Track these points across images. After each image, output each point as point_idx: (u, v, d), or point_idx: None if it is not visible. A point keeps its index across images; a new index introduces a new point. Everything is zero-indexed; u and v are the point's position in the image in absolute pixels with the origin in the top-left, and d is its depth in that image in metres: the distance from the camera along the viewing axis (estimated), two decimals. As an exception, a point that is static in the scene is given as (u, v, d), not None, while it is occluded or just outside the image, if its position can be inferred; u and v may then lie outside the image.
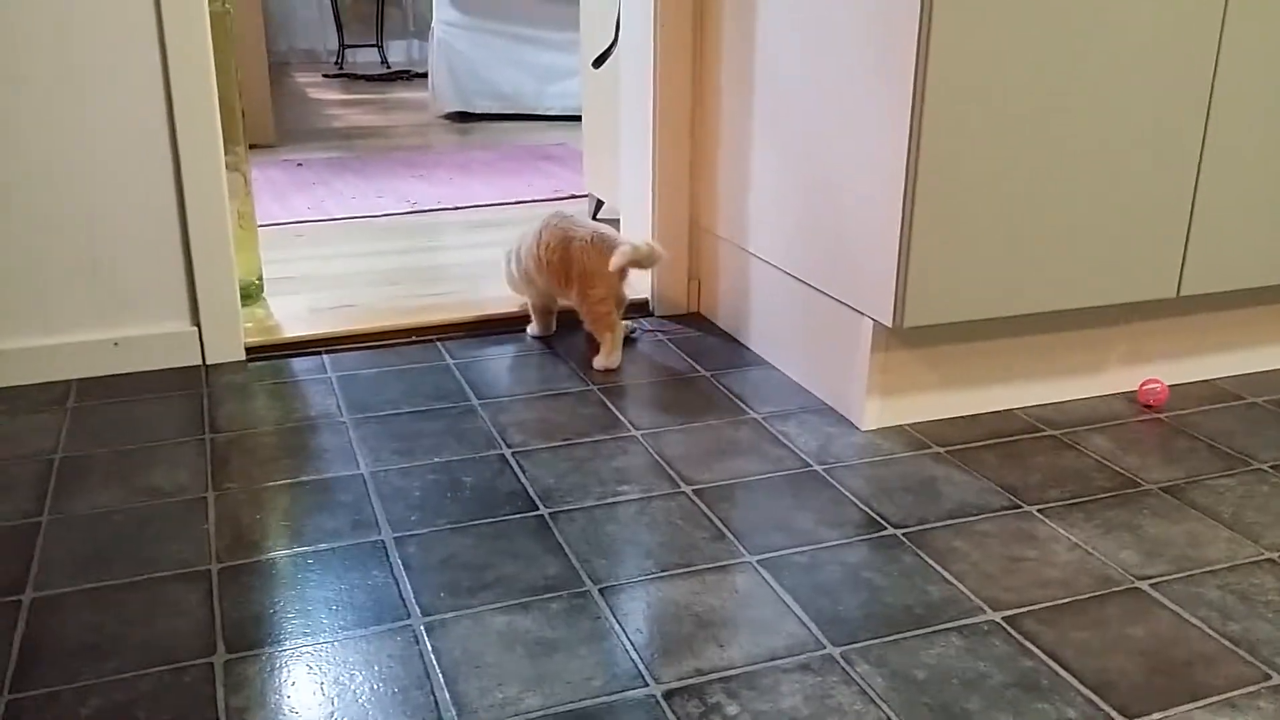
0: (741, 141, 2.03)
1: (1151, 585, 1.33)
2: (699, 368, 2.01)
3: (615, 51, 2.55)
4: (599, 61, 2.68)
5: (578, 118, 3.28)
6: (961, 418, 1.79)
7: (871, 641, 1.22)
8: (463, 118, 5.08)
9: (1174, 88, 1.67)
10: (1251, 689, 1.14)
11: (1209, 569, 1.37)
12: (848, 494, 1.54)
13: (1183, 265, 1.78)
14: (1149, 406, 1.84)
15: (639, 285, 2.28)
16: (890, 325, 1.64)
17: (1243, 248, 1.82)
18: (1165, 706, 1.12)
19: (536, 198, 3.38)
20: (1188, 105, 1.69)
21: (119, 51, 1.82)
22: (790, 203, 1.88)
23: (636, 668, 1.17)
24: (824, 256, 1.80)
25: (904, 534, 1.44)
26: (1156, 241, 1.75)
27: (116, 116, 1.85)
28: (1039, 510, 1.50)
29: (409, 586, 1.31)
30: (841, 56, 1.68)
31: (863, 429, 1.75)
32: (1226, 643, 1.22)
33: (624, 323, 2.06)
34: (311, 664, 1.17)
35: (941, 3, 1.49)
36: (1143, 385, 1.85)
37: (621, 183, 2.41)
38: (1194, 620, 1.26)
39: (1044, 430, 1.75)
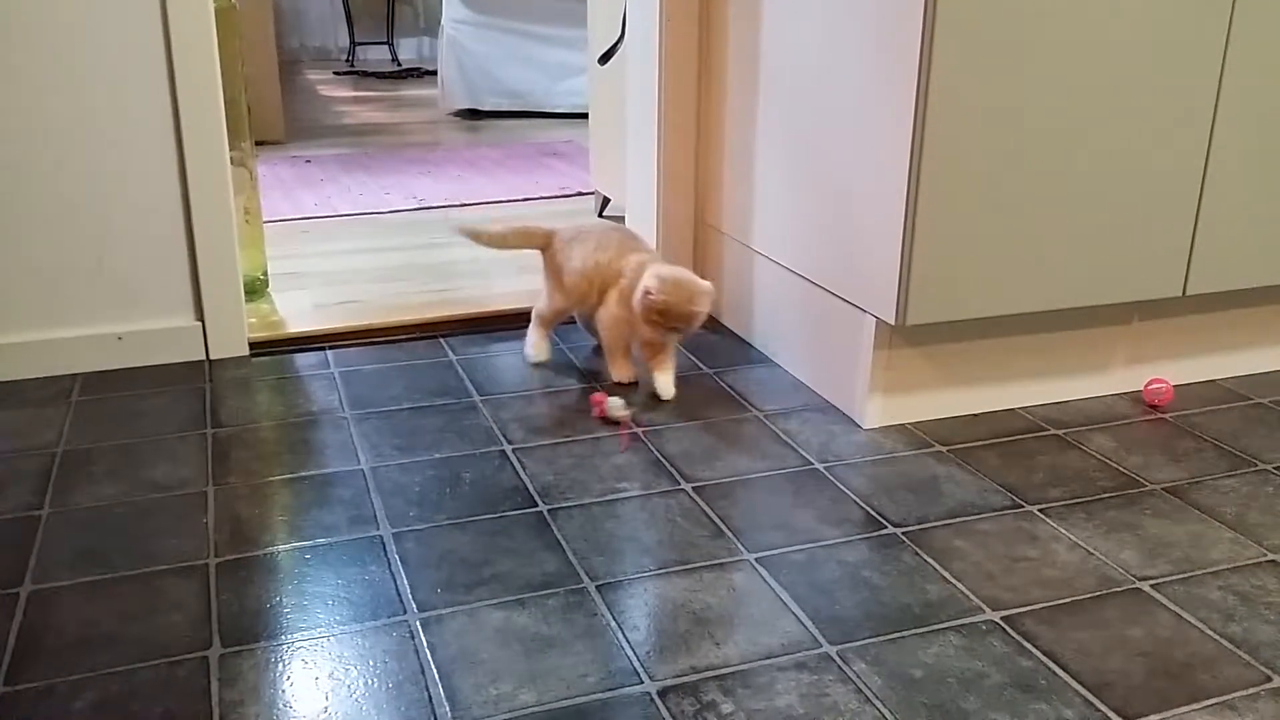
0: (746, 138, 2.02)
1: (1152, 586, 1.32)
2: (701, 365, 2.00)
3: (621, 48, 2.54)
4: (605, 58, 2.67)
5: (586, 115, 3.28)
6: (964, 416, 1.78)
7: (869, 640, 1.21)
8: (472, 115, 5.08)
9: (1181, 84, 1.66)
10: (1251, 691, 1.13)
11: (1211, 570, 1.36)
12: (848, 492, 1.54)
13: (1189, 264, 1.77)
14: (1154, 406, 1.83)
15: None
16: (893, 323, 1.63)
17: (1249, 246, 1.81)
18: (1164, 708, 1.11)
19: (543, 195, 3.38)
20: (1194, 102, 1.68)
21: (124, 47, 1.82)
22: (794, 200, 1.88)
23: (632, 665, 1.16)
24: (828, 254, 1.79)
25: (904, 533, 1.43)
26: (1162, 240, 1.74)
27: (121, 111, 1.85)
28: (1040, 510, 1.50)
29: (406, 582, 1.31)
30: (846, 54, 1.68)
31: (865, 427, 1.74)
32: (1227, 644, 1.21)
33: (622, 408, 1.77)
34: (307, 659, 1.17)
35: (946, 1, 1.49)
36: (1147, 385, 1.84)
37: (627, 179, 2.40)
38: (1194, 621, 1.25)
39: (1047, 430, 1.75)
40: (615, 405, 1.74)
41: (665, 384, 1.83)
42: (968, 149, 1.57)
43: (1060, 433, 1.73)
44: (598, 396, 1.76)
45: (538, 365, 1.97)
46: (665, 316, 1.72)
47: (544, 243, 1.96)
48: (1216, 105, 1.70)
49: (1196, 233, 1.76)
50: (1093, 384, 1.87)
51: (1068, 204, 1.66)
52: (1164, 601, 1.29)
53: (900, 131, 1.56)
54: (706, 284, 1.75)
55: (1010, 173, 1.60)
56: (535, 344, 1.99)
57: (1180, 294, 1.78)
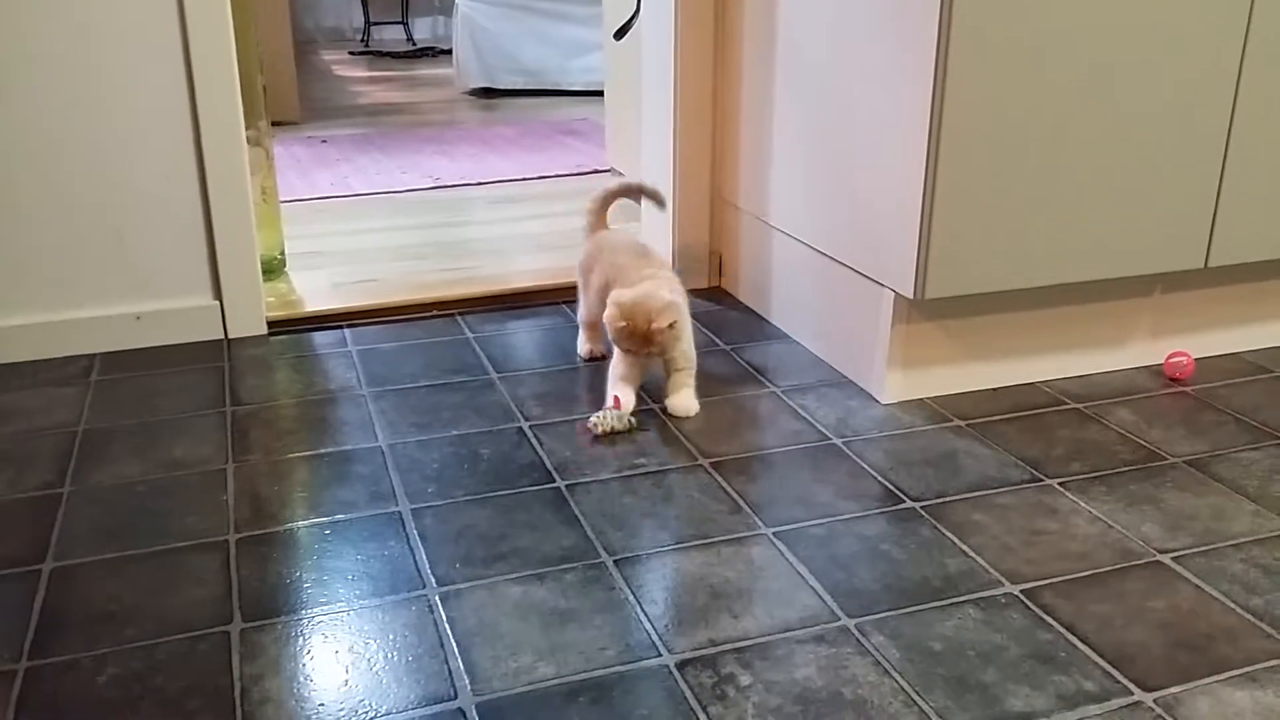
0: (763, 113, 2.01)
1: (1173, 559, 1.31)
2: (718, 341, 2.00)
3: (637, 23, 2.53)
4: (620, 33, 2.66)
5: (602, 93, 3.27)
6: (983, 391, 1.77)
7: (887, 613, 1.21)
8: (487, 94, 5.07)
9: (1204, 54, 1.64)
10: (1273, 663, 1.13)
11: (1232, 542, 1.35)
12: (866, 467, 1.53)
13: (1211, 235, 1.75)
14: (1175, 380, 1.82)
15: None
16: (911, 297, 1.62)
17: (1273, 218, 1.78)
18: (1185, 680, 1.10)
19: (559, 172, 3.37)
20: (1218, 72, 1.66)
21: (139, 27, 1.82)
22: (811, 174, 1.87)
23: (650, 638, 1.17)
24: (845, 228, 1.78)
25: (922, 507, 1.43)
26: (1184, 211, 1.72)
27: (137, 92, 1.85)
28: (1060, 483, 1.49)
29: (425, 557, 1.31)
30: (864, 26, 1.66)
31: (883, 402, 1.73)
32: (1249, 616, 1.20)
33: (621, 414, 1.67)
34: (327, 633, 1.18)
35: (963, -32, 1.47)
36: (1169, 358, 1.83)
37: (643, 156, 2.39)
38: (1216, 594, 1.24)
39: (1067, 403, 1.73)
40: (605, 418, 1.64)
41: (675, 403, 1.71)
42: (987, 120, 1.55)
43: (1080, 406, 1.72)
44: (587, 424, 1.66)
45: (590, 360, 1.92)
46: (631, 339, 1.65)
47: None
48: (1240, 75, 1.67)
49: (1219, 204, 1.74)
50: (1113, 357, 1.85)
51: (1089, 176, 1.64)
52: (1185, 574, 1.28)
53: (919, 104, 1.54)
54: (665, 299, 1.63)
55: (1030, 143, 1.59)
56: (582, 343, 1.94)
57: (1202, 266, 1.77)
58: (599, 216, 1.97)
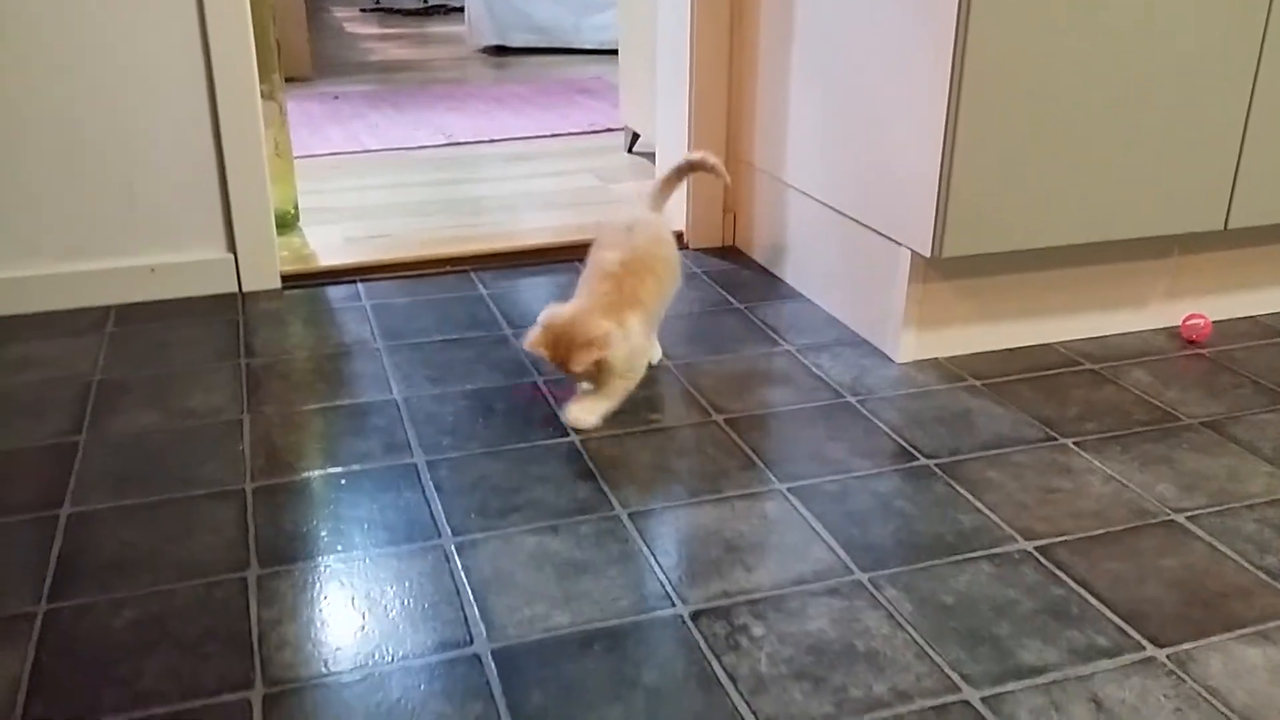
0: (780, 70, 1.99)
1: (1188, 518, 1.31)
2: (733, 300, 1.99)
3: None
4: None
5: (615, 51, 3.24)
6: (999, 351, 1.77)
7: (901, 568, 1.21)
8: (499, 51, 5.03)
9: (1227, 12, 1.62)
10: (1287, 621, 1.13)
11: (1247, 503, 1.35)
12: (881, 425, 1.53)
13: (1231, 197, 1.73)
14: (1192, 342, 1.81)
15: (675, 219, 2.26)
16: (928, 256, 1.61)
17: (1294, 180, 1.77)
18: (1198, 637, 1.10)
19: (571, 130, 3.36)
20: (1242, 29, 1.64)
21: (152, -26, 1.81)
22: (829, 132, 1.85)
23: (664, 589, 1.17)
24: (862, 187, 1.77)
25: (936, 464, 1.43)
26: (1205, 172, 1.70)
27: (151, 46, 1.84)
28: (1075, 443, 1.49)
29: (440, 507, 1.32)
30: (883, -21, 1.64)
31: (898, 361, 1.73)
32: (1262, 575, 1.20)
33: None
34: (343, 580, 1.18)
35: (987, -80, 1.45)
36: (1186, 320, 1.82)
37: (658, 114, 2.38)
38: (1229, 553, 1.24)
39: (1083, 364, 1.73)
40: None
41: (572, 408, 1.53)
42: (1008, 78, 1.53)
43: (1096, 367, 1.72)
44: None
45: None
46: (557, 367, 1.48)
47: None
48: (1265, 34, 1.65)
49: (1240, 165, 1.72)
50: (1130, 319, 1.84)
51: (1109, 135, 1.62)
52: (1199, 533, 1.28)
53: (939, 61, 1.53)
54: (595, 334, 1.44)
55: (1051, 103, 1.57)
56: None
57: (1222, 228, 1.75)
58: (657, 206, 1.74)
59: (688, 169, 1.76)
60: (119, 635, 1.10)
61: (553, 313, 1.48)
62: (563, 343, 1.45)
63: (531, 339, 1.47)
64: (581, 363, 1.43)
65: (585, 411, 1.52)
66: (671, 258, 1.63)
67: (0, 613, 1.13)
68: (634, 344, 1.51)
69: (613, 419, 1.53)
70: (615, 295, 1.51)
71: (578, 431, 1.50)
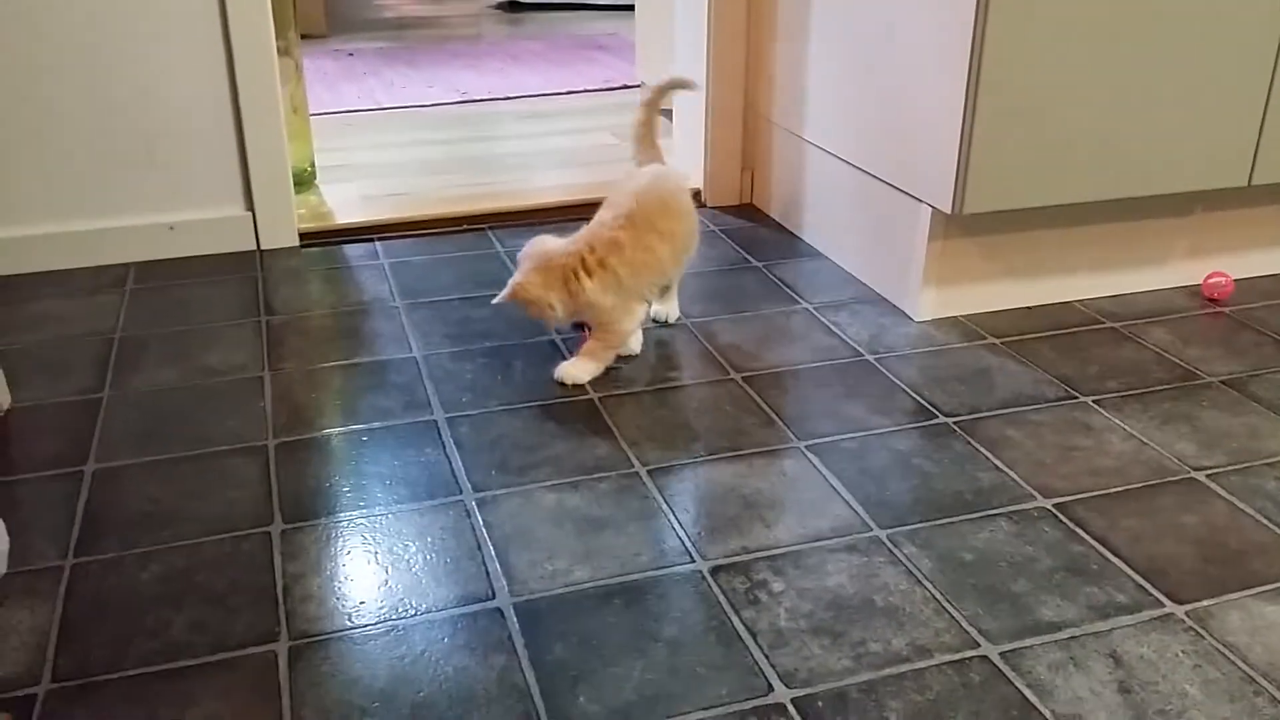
0: (799, 25, 1.97)
1: (1208, 476, 1.31)
2: (751, 258, 1.99)
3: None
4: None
5: (631, 7, 3.21)
6: (1019, 309, 1.76)
7: (919, 525, 1.22)
8: (514, 7, 4.99)
9: (1257, -36, 1.59)
10: (1306, 578, 1.13)
11: (1268, 461, 1.34)
12: (899, 383, 1.53)
13: (1255, 153, 1.72)
14: (1213, 300, 1.80)
15: (693, 177, 2.25)
16: (949, 212, 1.60)
17: (1321, 136, 1.75)
18: (1217, 593, 1.11)
19: (588, 87, 3.33)
20: (1270, -17, 1.61)
21: (167, -71, 1.80)
22: (849, 87, 1.83)
23: (683, 545, 1.18)
24: (882, 143, 1.76)
25: (955, 422, 1.43)
26: (1228, 127, 1.68)
27: (168, 3, 1.84)
28: (1095, 401, 1.48)
29: (460, 464, 1.33)
30: (905, -69, 1.62)
31: (917, 320, 1.72)
32: (1283, 533, 1.20)
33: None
34: (366, 535, 1.19)
35: None
36: (1207, 278, 1.81)
37: (675, 71, 2.36)
38: (1250, 511, 1.24)
39: (1103, 323, 1.72)
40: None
41: (564, 365, 1.55)
42: (1029, 31, 1.52)
43: (1117, 325, 1.71)
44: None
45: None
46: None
47: None
48: (1294, -15, 1.63)
49: (1265, 120, 1.70)
50: (1151, 277, 1.83)
51: (1131, 90, 1.60)
52: (1219, 491, 1.28)
53: (961, 15, 1.51)
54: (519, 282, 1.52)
55: (1073, 57, 1.55)
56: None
57: (1245, 184, 1.73)
58: (645, 143, 1.72)
59: (655, 101, 1.71)
60: (145, 589, 1.11)
61: (539, 247, 1.56)
62: (538, 301, 1.53)
63: (511, 288, 1.54)
64: (553, 318, 1.53)
65: (575, 365, 1.54)
66: (681, 217, 1.59)
67: (28, 567, 1.15)
68: (596, 301, 1.51)
69: (631, 377, 1.54)
70: (575, 258, 1.52)
71: (575, 387, 1.50)
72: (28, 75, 1.82)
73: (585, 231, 1.56)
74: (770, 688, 0.99)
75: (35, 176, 1.88)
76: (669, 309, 1.70)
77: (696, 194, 2.27)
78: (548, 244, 1.56)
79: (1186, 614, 1.08)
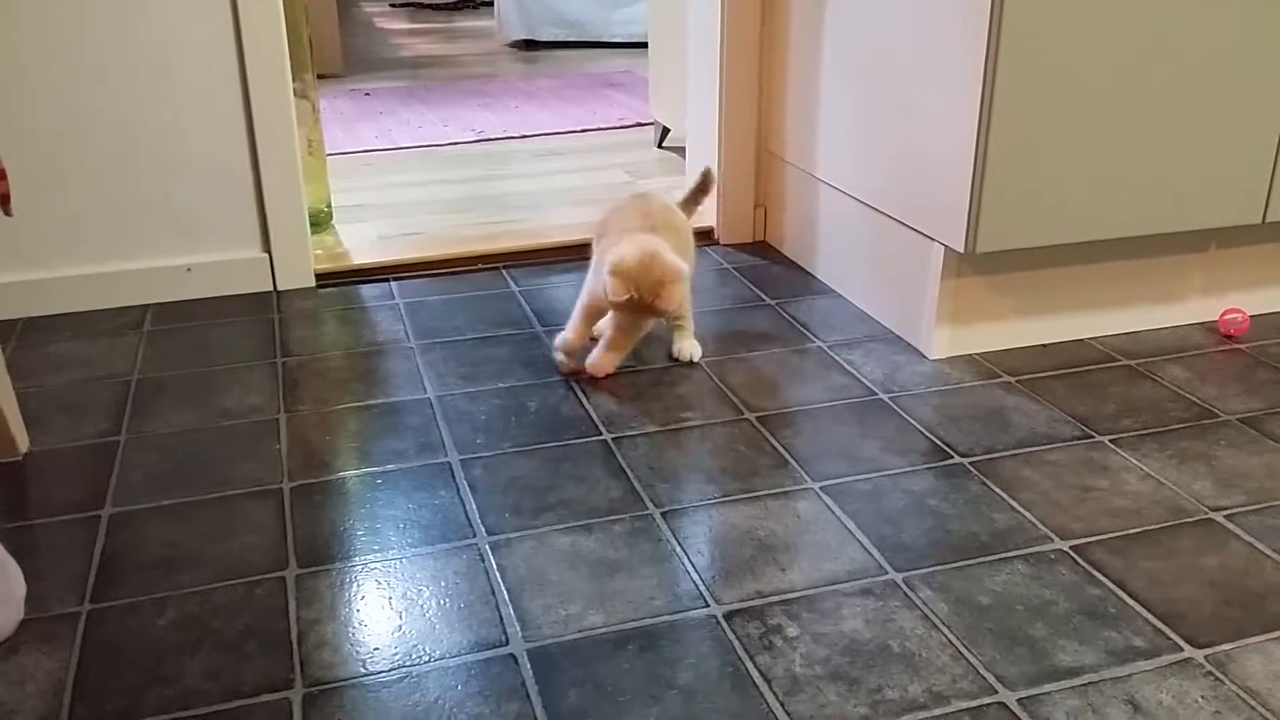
0: (811, 63, 1.98)
1: (1226, 516, 1.30)
2: (764, 296, 1.99)
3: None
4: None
5: (644, 44, 3.24)
6: (1033, 347, 1.76)
7: (935, 568, 1.21)
8: (529, 46, 5.04)
9: (1266, 1, 1.60)
10: (1327, 622, 1.12)
11: (1287, 501, 1.33)
12: (914, 422, 1.53)
13: (1269, 190, 1.71)
14: (1229, 337, 1.79)
15: (705, 214, 2.26)
16: (962, 251, 1.61)
17: (1335, 172, 1.74)
18: (1236, 637, 1.10)
19: (602, 126, 3.36)
20: (1278, 20, 1.62)
21: (187, -23, 1.83)
22: (860, 125, 1.84)
23: (698, 589, 1.17)
24: (895, 181, 1.76)
25: (971, 463, 1.42)
26: (1242, 165, 1.68)
27: (185, 45, 1.86)
28: (1111, 440, 1.48)
29: (474, 507, 1.33)
30: (915, -27, 1.63)
31: (931, 358, 1.72)
32: (1303, 575, 1.19)
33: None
34: (380, 579, 1.20)
35: (1021, -86, 1.43)
36: (1223, 315, 1.80)
37: (688, 108, 2.37)
38: (1269, 552, 1.23)
39: (1119, 360, 1.71)
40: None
41: (683, 347, 1.69)
42: (1041, 70, 1.52)
43: (1132, 363, 1.70)
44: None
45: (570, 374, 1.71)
46: (636, 310, 1.57)
47: None
48: (1304, 23, 1.63)
49: (1279, 158, 1.70)
50: (1166, 314, 1.83)
51: (1144, 127, 1.61)
52: (1237, 532, 1.27)
53: (972, 55, 1.52)
54: (673, 266, 1.54)
55: (1086, 95, 1.56)
56: (565, 338, 1.71)
57: (1260, 221, 1.73)
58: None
59: (704, 187, 1.86)
60: (161, 635, 1.11)
61: (619, 258, 1.54)
62: (645, 284, 1.53)
63: (613, 289, 1.52)
64: (674, 298, 1.54)
65: (693, 344, 1.70)
66: (685, 226, 1.75)
67: (44, 613, 1.15)
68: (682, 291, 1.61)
69: (645, 417, 1.54)
70: (656, 239, 1.59)
71: (588, 426, 1.51)
72: (44, 118, 1.84)
73: (628, 238, 1.60)
74: (785, 735, 0.98)
75: (54, 219, 1.90)
76: (688, 346, 1.72)
77: (709, 231, 2.28)
78: (631, 253, 1.55)
79: (1206, 658, 1.07)
